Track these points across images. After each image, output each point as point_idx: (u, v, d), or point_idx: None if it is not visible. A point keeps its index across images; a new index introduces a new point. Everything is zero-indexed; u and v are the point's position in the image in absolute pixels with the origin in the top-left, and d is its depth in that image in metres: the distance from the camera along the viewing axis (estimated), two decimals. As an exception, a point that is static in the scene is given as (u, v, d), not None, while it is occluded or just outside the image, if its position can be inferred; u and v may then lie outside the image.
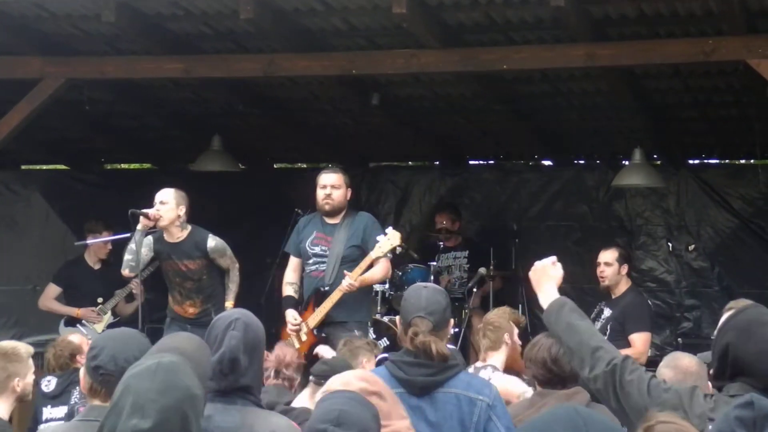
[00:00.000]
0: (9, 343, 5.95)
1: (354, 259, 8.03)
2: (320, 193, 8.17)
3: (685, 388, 3.75)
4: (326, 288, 8.05)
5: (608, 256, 8.99)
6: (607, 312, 8.88)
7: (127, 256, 8.38)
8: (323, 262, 8.15)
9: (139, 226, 8.24)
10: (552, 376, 5.04)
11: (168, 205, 8.33)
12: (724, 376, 3.72)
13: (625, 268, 8.98)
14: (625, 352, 8.34)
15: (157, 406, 2.55)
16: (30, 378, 5.80)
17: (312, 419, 3.18)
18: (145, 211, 8.26)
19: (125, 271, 8.47)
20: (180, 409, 2.58)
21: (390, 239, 7.90)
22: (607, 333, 8.66)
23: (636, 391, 3.70)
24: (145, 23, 8.41)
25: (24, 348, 5.85)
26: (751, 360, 3.63)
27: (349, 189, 8.28)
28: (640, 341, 8.68)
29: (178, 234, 8.42)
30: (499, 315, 6.61)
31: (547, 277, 4.19)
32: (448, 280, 10.39)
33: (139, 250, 8.26)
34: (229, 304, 8.33)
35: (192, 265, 8.44)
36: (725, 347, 3.70)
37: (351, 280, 7.82)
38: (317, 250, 8.17)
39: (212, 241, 8.47)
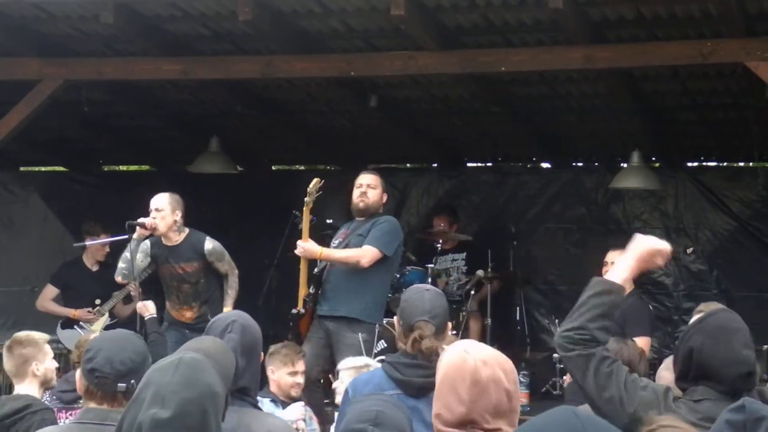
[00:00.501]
0: (23, 332, 6.05)
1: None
2: (355, 192, 8.12)
3: (660, 388, 3.73)
4: (316, 271, 8.07)
5: (617, 257, 8.95)
6: (608, 315, 8.86)
7: (120, 264, 8.38)
8: None
9: (135, 235, 8.22)
10: None
11: (164, 212, 8.30)
12: (687, 378, 3.73)
13: None
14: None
15: (178, 398, 2.56)
16: (50, 363, 5.91)
17: (348, 420, 3.18)
18: (141, 221, 8.23)
19: (118, 278, 8.47)
20: (201, 404, 2.58)
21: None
22: (607, 336, 8.65)
23: (614, 384, 3.64)
24: (143, 24, 8.41)
25: (38, 335, 5.99)
26: (717, 365, 3.63)
27: (385, 193, 8.24)
28: (642, 344, 8.66)
29: (176, 238, 8.41)
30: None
31: (644, 255, 3.96)
32: (446, 282, 10.38)
33: (133, 258, 8.24)
34: (227, 309, 8.30)
35: (189, 268, 8.43)
36: (690, 351, 3.70)
37: (300, 241, 7.84)
38: (336, 243, 8.16)
39: (209, 244, 8.46)
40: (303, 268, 8.01)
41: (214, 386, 2.64)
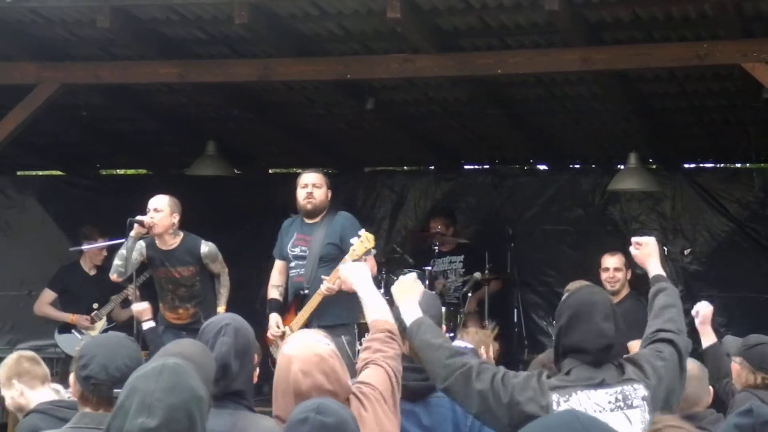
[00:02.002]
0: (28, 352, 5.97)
1: (333, 258, 7.87)
2: (301, 193, 8.09)
3: (533, 372, 4.03)
4: (305, 291, 7.96)
5: (617, 262, 8.97)
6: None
7: (117, 261, 8.32)
8: (303, 265, 8.06)
9: (132, 233, 8.20)
10: None
11: (162, 213, 8.29)
12: (558, 356, 4.05)
13: (629, 273, 9.00)
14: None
15: (164, 405, 2.55)
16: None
17: (292, 414, 3.30)
18: (139, 218, 8.22)
19: (113, 276, 8.42)
20: (187, 409, 2.58)
21: (363, 242, 7.76)
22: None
23: (497, 384, 3.89)
24: (139, 28, 8.40)
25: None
26: (580, 340, 3.95)
27: (329, 190, 8.19)
28: (636, 348, 8.65)
29: (171, 241, 8.38)
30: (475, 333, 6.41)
31: (411, 292, 4.31)
32: (443, 284, 10.39)
33: (129, 256, 8.22)
34: (221, 309, 8.30)
35: (185, 272, 8.40)
36: (558, 332, 4.07)
37: (329, 284, 7.75)
38: (297, 251, 8.09)
39: (205, 247, 8.44)
40: (315, 300, 7.88)
41: (198, 390, 2.64)
